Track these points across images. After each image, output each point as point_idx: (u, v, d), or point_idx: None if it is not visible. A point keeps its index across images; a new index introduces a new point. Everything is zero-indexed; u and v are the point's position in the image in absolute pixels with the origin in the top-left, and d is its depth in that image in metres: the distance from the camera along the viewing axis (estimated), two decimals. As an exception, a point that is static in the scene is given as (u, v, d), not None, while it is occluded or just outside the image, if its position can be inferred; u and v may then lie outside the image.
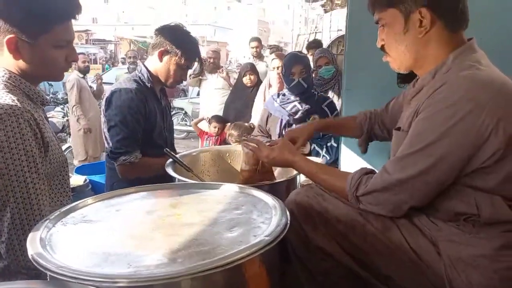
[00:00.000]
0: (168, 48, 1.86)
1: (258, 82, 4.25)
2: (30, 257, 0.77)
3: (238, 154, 1.81)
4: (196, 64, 2.00)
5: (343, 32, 6.31)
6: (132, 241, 0.86)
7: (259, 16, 37.50)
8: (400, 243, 1.06)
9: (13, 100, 1.11)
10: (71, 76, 4.70)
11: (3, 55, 1.16)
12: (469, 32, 1.12)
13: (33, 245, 0.80)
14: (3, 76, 1.16)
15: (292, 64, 2.51)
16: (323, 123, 1.72)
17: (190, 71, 2.45)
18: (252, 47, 5.23)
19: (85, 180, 2.72)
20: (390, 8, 1.10)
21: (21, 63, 1.17)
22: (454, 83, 0.99)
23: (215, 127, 4.00)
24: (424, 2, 1.05)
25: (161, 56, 1.88)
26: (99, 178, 2.80)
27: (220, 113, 4.40)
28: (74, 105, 4.61)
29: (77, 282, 0.66)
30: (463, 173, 0.99)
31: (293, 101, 2.55)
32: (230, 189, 1.15)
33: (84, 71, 4.82)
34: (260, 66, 5.03)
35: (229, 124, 3.72)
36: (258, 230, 0.88)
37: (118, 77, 5.74)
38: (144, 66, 1.94)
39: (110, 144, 1.83)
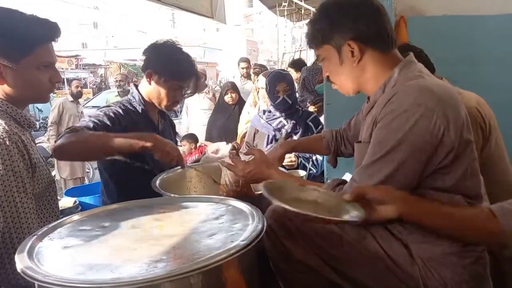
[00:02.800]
0: (155, 68, 1.74)
1: (240, 101, 4.34)
2: (18, 269, 0.81)
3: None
4: (191, 83, 1.82)
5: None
6: (116, 252, 0.91)
7: (247, 36, 38.15)
8: (376, 250, 1.11)
9: (1, 124, 1.15)
10: (59, 99, 4.74)
11: None
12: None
13: (20, 258, 0.84)
14: None
15: (276, 81, 2.60)
16: (292, 145, 1.77)
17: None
18: (242, 68, 5.37)
19: (75, 202, 2.75)
20: (324, 45, 1.21)
21: (6, 88, 1.21)
22: (404, 92, 1.07)
23: (185, 145, 4.07)
24: (350, 36, 1.16)
25: (149, 77, 1.76)
26: (89, 200, 2.84)
27: (203, 133, 4.47)
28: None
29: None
30: (424, 175, 1.06)
31: (279, 117, 2.64)
32: (211, 201, 1.21)
33: (77, 96, 4.85)
34: (248, 86, 5.15)
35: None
36: (236, 236, 0.94)
37: (108, 100, 5.76)
38: (137, 89, 1.85)
39: None
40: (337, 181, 1.18)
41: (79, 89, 4.96)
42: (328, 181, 1.39)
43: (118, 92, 5.75)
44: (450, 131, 1.03)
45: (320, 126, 2.65)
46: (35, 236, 0.95)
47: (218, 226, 1.02)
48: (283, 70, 3.33)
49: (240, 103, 4.34)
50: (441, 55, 1.86)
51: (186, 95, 1.93)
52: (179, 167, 1.72)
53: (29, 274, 0.77)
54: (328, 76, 1.27)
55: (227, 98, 4.31)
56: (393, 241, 1.12)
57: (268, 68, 5.44)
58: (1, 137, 1.12)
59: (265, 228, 0.95)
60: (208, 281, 0.82)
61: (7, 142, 1.13)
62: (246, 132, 3.84)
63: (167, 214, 1.13)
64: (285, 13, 6.38)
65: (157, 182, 1.63)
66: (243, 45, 33.02)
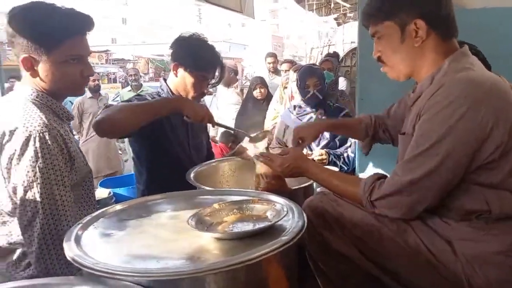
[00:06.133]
0: (181, 60, 1.78)
1: (269, 95, 4.33)
2: (68, 257, 0.83)
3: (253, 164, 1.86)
4: (216, 73, 1.83)
5: (356, 44, 6.36)
6: (158, 242, 0.93)
7: (273, 31, 37.96)
8: (416, 244, 1.09)
9: (41, 117, 1.17)
10: (78, 99, 4.71)
11: (25, 73, 1.23)
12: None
13: (69, 246, 0.87)
14: (31, 95, 1.22)
15: (307, 76, 2.57)
16: (330, 124, 1.74)
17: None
18: (269, 63, 5.34)
19: (109, 193, 2.82)
20: (386, 21, 1.16)
21: (40, 81, 1.23)
22: (451, 84, 1.03)
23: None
24: (419, 14, 1.11)
25: (176, 69, 1.81)
26: (123, 191, 2.90)
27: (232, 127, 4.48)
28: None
29: (112, 277, 0.72)
30: (469, 170, 1.02)
31: (309, 113, 2.61)
32: (248, 195, 1.20)
33: (95, 90, 4.85)
34: (277, 81, 5.13)
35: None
36: (277, 231, 0.93)
37: (122, 95, 5.68)
38: (165, 82, 1.90)
39: None
40: (377, 175, 1.16)
41: (96, 82, 4.93)
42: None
43: (131, 86, 5.71)
44: (499, 125, 0.99)
45: (351, 123, 2.61)
46: (80, 225, 0.97)
47: (256, 220, 1.02)
48: (314, 64, 3.31)
49: (268, 98, 4.34)
50: (484, 50, 1.78)
51: (210, 86, 1.95)
52: (212, 160, 1.73)
53: (79, 261, 0.79)
54: (379, 57, 1.22)
55: (256, 93, 4.31)
56: (435, 236, 1.09)
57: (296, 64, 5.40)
58: (41, 131, 1.14)
59: (306, 224, 0.94)
60: (251, 275, 0.82)
61: (47, 137, 1.15)
62: (273, 128, 3.85)
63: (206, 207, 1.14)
64: (314, 7, 6.30)
65: (192, 174, 1.65)
66: (268, 41, 32.91)
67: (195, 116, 1.56)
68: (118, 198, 2.77)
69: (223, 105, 4.95)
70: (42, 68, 1.20)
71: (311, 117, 2.61)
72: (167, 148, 1.81)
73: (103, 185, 3.23)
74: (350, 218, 1.16)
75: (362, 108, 2.41)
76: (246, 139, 2.22)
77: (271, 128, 3.86)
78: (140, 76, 6.28)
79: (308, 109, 2.62)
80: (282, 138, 2.75)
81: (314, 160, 2.28)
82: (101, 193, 2.80)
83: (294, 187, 1.52)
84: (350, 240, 1.16)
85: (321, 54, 6.57)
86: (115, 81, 16.77)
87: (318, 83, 2.56)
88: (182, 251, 0.87)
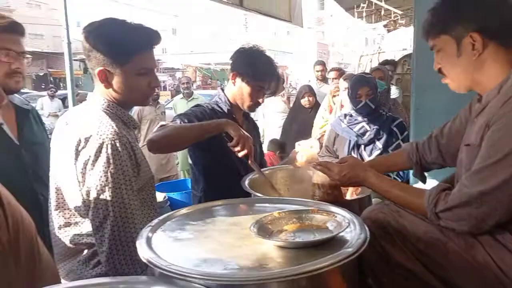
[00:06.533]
0: (240, 70, 1.86)
1: (317, 104, 4.31)
2: (142, 258, 0.88)
3: (306, 173, 1.86)
4: (273, 84, 1.91)
5: (408, 51, 6.19)
6: (222, 248, 0.96)
7: (318, 39, 37.75)
8: (485, 261, 1.04)
9: (112, 126, 1.25)
10: (137, 107, 4.98)
11: (98, 85, 1.32)
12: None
13: (142, 248, 0.92)
14: (102, 104, 1.31)
15: (359, 85, 2.54)
16: (373, 163, 1.61)
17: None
18: (317, 71, 5.33)
19: (165, 197, 2.94)
20: (442, 35, 1.14)
21: (112, 92, 1.32)
22: None
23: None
24: (474, 27, 1.08)
25: (234, 79, 1.88)
26: (177, 196, 3.01)
27: (278, 135, 4.49)
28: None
29: (183, 279, 0.76)
30: None
31: (361, 122, 2.57)
32: (305, 205, 1.21)
33: (153, 98, 5.06)
34: (324, 89, 5.10)
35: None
36: (339, 242, 0.93)
37: (175, 103, 5.93)
38: (223, 91, 1.97)
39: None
40: (442, 186, 1.12)
41: (156, 91, 5.18)
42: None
43: (183, 94, 5.90)
44: None
45: (406, 132, 2.53)
46: (150, 227, 1.03)
47: (317, 230, 1.02)
48: (366, 73, 3.25)
49: (316, 106, 4.32)
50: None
51: (266, 96, 2.01)
52: (266, 168, 1.76)
53: (153, 263, 0.83)
54: (440, 69, 1.20)
55: (304, 102, 4.31)
56: (505, 253, 1.04)
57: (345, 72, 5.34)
58: (113, 139, 1.22)
59: (368, 236, 0.93)
60: (314, 285, 0.82)
61: (117, 144, 1.23)
62: (321, 136, 3.82)
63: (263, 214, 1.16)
64: (364, 15, 6.21)
65: (246, 182, 1.68)
66: (313, 48, 32.76)
67: (236, 144, 1.59)
68: (172, 202, 2.88)
69: (269, 113, 4.99)
70: (115, 80, 1.29)
71: (362, 126, 2.56)
72: (224, 157, 1.85)
73: (159, 189, 3.37)
74: (413, 230, 1.13)
75: (418, 119, 2.34)
76: (297, 144, 2.24)
77: (319, 137, 3.84)
78: (192, 84, 6.52)
79: (360, 118, 2.58)
80: (332, 147, 2.72)
81: None
82: (157, 197, 2.91)
83: (350, 198, 1.50)
84: (412, 253, 1.13)
85: (371, 61, 6.44)
86: (165, 89, 17.45)
87: (370, 92, 2.52)
88: (246, 257, 0.89)
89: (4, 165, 1.28)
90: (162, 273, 0.81)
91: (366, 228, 0.98)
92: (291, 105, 4.95)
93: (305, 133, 4.14)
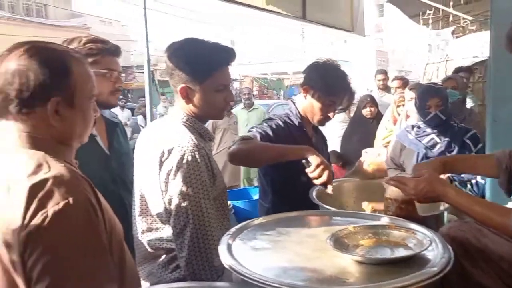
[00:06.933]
0: (311, 84, 1.86)
1: (379, 115, 4.18)
2: (225, 265, 0.93)
3: (373, 186, 1.83)
4: (345, 100, 1.89)
5: (479, 59, 5.82)
6: (299, 258, 0.98)
7: (377, 46, 36.72)
8: None
9: (192, 138, 1.33)
10: None
11: (179, 100, 1.42)
12: None
13: (224, 255, 0.97)
14: (182, 118, 1.40)
15: (428, 96, 2.43)
16: (445, 161, 1.57)
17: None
18: (379, 80, 5.19)
19: (229, 205, 3.03)
20: None
21: (192, 107, 1.40)
22: None
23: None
24: None
25: (306, 92, 1.88)
26: (241, 204, 3.09)
27: (338, 145, 4.40)
28: None
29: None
30: None
31: (430, 134, 2.46)
32: (384, 220, 1.20)
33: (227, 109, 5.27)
34: (386, 98, 4.95)
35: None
36: (419, 261, 0.92)
37: (236, 113, 6.03)
38: (294, 103, 1.98)
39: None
40: None
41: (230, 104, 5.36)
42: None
43: (244, 104, 6.01)
44: None
45: (480, 145, 2.39)
46: (229, 235, 1.08)
47: (397, 247, 1.01)
48: (435, 84, 3.12)
49: (378, 117, 4.20)
50: None
51: (337, 111, 1.98)
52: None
53: (236, 270, 0.88)
54: None
55: (365, 112, 4.21)
56: None
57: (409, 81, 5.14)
58: (193, 151, 1.30)
59: (452, 256, 0.91)
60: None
61: (197, 156, 1.31)
62: (384, 147, 3.71)
63: (338, 228, 1.16)
64: (430, 22, 5.96)
65: (314, 193, 1.69)
66: (372, 56, 31.90)
67: (313, 172, 1.57)
68: (236, 210, 2.95)
69: (329, 123, 4.92)
70: (195, 96, 1.38)
71: (431, 138, 2.46)
72: (293, 170, 1.83)
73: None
74: (497, 249, 1.08)
75: (495, 131, 2.20)
76: (364, 152, 2.20)
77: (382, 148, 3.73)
78: (253, 95, 6.67)
79: (429, 130, 2.47)
80: (398, 159, 2.64)
81: None
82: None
83: (424, 214, 1.45)
84: (495, 273, 1.07)
85: (437, 70, 6.15)
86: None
87: (440, 103, 2.40)
88: (325, 270, 0.91)
89: (97, 173, 1.40)
90: (243, 280, 0.85)
91: (449, 247, 0.95)
92: (351, 115, 4.85)
93: (366, 144, 4.00)
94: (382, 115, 4.11)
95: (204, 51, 1.37)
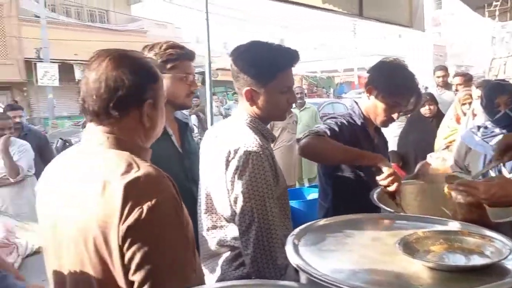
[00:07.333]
0: (375, 84, 1.82)
1: (439, 113, 3.98)
2: (293, 264, 0.95)
3: (437, 189, 1.76)
4: (411, 100, 1.84)
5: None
6: (367, 261, 0.98)
7: (434, 40, 34.92)
8: None
9: (256, 139, 1.37)
10: None
11: (243, 102, 1.46)
12: None
13: (291, 255, 0.99)
14: (246, 119, 1.44)
15: (495, 94, 2.29)
16: None
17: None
18: (438, 76, 4.96)
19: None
20: None
21: (255, 109, 1.43)
22: None
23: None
24: None
25: (369, 93, 1.85)
26: (296, 204, 3.09)
27: (395, 144, 4.25)
28: None
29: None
30: None
31: (499, 134, 2.31)
32: (456, 226, 1.16)
33: None
34: (446, 96, 4.71)
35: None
36: (496, 270, 0.88)
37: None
38: (356, 103, 1.96)
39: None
40: None
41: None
42: None
43: (296, 103, 5.97)
44: None
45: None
46: (294, 235, 1.09)
47: (472, 253, 0.98)
48: (503, 80, 2.93)
49: (438, 115, 4.01)
50: None
51: (402, 113, 1.93)
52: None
53: (305, 270, 0.89)
54: None
55: (424, 110, 4.03)
56: None
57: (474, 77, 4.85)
58: (258, 151, 1.34)
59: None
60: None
61: (262, 155, 1.34)
62: (445, 147, 3.53)
63: (405, 232, 1.14)
64: (496, 13, 5.57)
65: (375, 195, 1.66)
66: (429, 50, 30.42)
67: (384, 181, 1.60)
68: (291, 210, 2.96)
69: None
70: (260, 98, 1.41)
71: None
72: (353, 172, 1.86)
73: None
74: None
75: None
76: (429, 156, 2.11)
77: (443, 148, 3.56)
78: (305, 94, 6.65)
79: (497, 130, 2.32)
80: (463, 162, 2.50)
81: None
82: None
83: (498, 221, 1.38)
84: None
85: (504, 65, 5.74)
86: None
87: (510, 101, 2.25)
88: (395, 275, 0.90)
89: (173, 171, 1.48)
90: (311, 280, 0.86)
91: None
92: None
93: (424, 144, 3.85)
94: (442, 114, 3.93)
95: (268, 54, 1.40)
